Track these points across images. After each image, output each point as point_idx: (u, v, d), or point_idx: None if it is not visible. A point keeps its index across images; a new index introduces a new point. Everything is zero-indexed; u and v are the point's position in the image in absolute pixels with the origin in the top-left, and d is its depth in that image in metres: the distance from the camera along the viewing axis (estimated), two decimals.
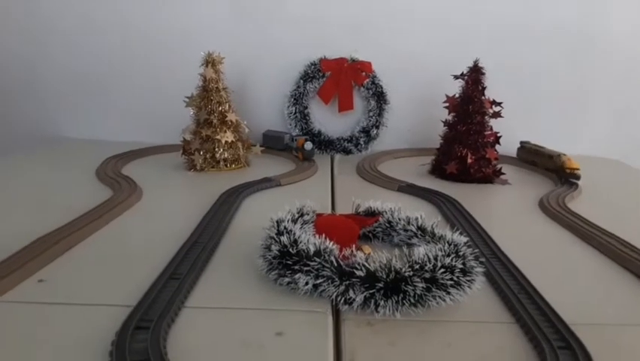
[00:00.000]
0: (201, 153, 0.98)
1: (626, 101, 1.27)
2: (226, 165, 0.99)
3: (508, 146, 1.05)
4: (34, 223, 0.63)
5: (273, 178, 0.91)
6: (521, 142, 1.17)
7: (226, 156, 0.99)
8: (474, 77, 0.96)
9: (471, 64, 0.96)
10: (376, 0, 1.21)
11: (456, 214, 0.74)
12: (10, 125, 1.30)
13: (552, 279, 0.53)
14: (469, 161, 0.96)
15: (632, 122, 1.28)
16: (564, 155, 1.00)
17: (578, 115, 1.27)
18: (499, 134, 0.99)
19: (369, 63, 1.20)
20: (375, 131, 1.21)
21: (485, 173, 0.97)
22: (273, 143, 1.18)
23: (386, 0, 1.21)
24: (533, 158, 1.11)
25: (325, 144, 1.22)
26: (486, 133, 0.97)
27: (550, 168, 1.03)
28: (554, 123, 1.26)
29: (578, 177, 0.95)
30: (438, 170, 1.00)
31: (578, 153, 1.01)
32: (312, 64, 1.20)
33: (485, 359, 0.39)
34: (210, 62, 0.96)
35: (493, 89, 0.97)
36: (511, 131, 1.13)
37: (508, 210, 0.84)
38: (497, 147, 0.98)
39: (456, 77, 0.98)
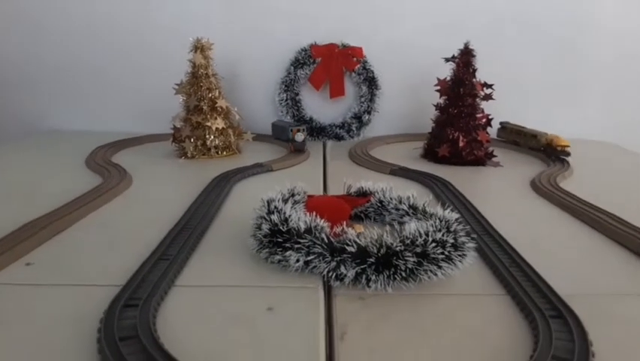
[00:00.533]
0: (192, 140, 0.97)
1: (617, 85, 1.27)
2: (217, 152, 0.99)
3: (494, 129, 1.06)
4: (22, 210, 0.62)
5: (264, 164, 0.90)
6: (501, 123, 1.18)
7: (217, 143, 0.98)
8: (465, 59, 0.96)
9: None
10: None
11: (448, 195, 0.74)
12: (1, 118, 1.28)
13: (543, 253, 0.53)
14: (461, 144, 0.95)
15: (623, 105, 1.28)
16: (549, 134, 1.01)
17: (570, 99, 1.28)
18: (490, 117, 0.99)
19: (360, 48, 1.19)
20: (367, 117, 1.20)
21: (477, 155, 0.96)
22: (280, 134, 1.13)
23: None
24: (515, 138, 1.12)
25: (317, 130, 1.21)
26: (477, 115, 0.97)
27: (534, 147, 1.04)
28: (547, 107, 1.26)
29: (568, 154, 0.95)
30: (430, 153, 1.00)
31: (571, 136, 1.02)
32: (302, 50, 1.19)
33: (477, 330, 0.39)
34: (199, 47, 0.95)
35: (484, 74, 0.97)
36: (502, 114, 1.14)
37: (499, 190, 0.84)
38: (489, 129, 0.99)
39: (447, 60, 0.98)
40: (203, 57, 0.96)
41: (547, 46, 1.24)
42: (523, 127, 1.11)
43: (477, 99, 0.97)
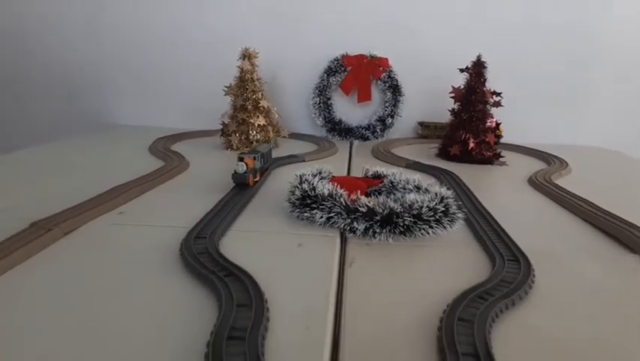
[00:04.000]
0: (237, 134, 1.14)
1: (625, 96, 1.37)
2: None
3: (507, 134, 1.18)
4: (105, 179, 0.78)
5: (298, 155, 1.06)
6: (419, 122, 1.37)
7: (258, 137, 1.14)
8: (477, 69, 1.09)
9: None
10: (391, 2, 1.34)
11: (452, 183, 0.87)
12: (73, 114, 1.49)
13: (520, 225, 0.65)
14: (471, 145, 1.08)
15: (631, 116, 1.37)
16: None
17: (577, 108, 1.38)
18: (499, 122, 1.11)
19: (387, 59, 1.33)
20: (390, 120, 1.35)
21: (486, 155, 1.09)
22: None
23: (400, 2, 1.34)
24: (439, 133, 1.29)
25: (345, 131, 1.36)
26: (487, 120, 1.10)
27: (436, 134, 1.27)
28: (555, 115, 1.37)
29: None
30: (444, 152, 1.13)
31: (575, 143, 1.12)
32: (335, 59, 1.34)
33: (454, 268, 0.53)
34: (247, 55, 1.12)
35: (496, 83, 1.10)
36: (512, 122, 1.25)
37: (498, 182, 0.97)
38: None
39: (461, 70, 1.11)
40: (250, 64, 1.12)
41: (556, 58, 1.35)
42: (441, 122, 1.28)
43: (487, 105, 1.09)
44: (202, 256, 0.50)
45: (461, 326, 0.39)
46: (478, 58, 1.09)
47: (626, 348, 0.39)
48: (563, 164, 1.06)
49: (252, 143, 1.14)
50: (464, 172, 0.96)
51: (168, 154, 1.03)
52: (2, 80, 1.49)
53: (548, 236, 0.64)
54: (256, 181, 0.82)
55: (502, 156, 1.10)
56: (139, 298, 0.44)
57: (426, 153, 1.17)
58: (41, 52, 1.46)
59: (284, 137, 1.20)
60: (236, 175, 0.77)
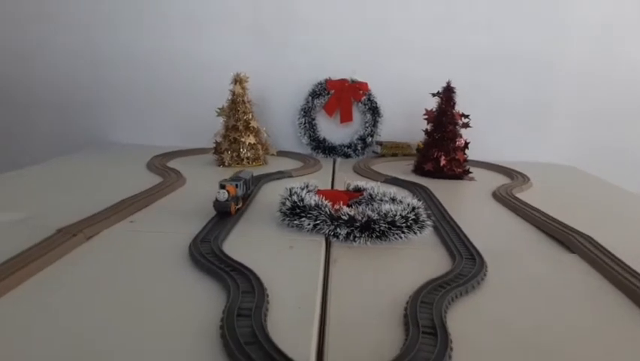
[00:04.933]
0: (229, 152, 1.23)
1: (580, 116, 1.51)
2: (249, 162, 1.24)
3: (478, 152, 1.30)
4: (110, 194, 0.86)
5: (285, 171, 1.15)
6: (377, 141, 1.48)
7: (249, 155, 1.24)
8: (447, 94, 1.21)
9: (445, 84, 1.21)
10: (370, 31, 1.46)
11: (424, 196, 0.98)
12: (68, 133, 1.57)
13: (480, 231, 0.76)
14: (443, 162, 1.19)
15: (587, 133, 1.51)
16: (419, 141, 1.30)
17: (538, 128, 1.51)
18: (468, 141, 1.22)
19: (366, 83, 1.45)
20: (370, 139, 1.46)
21: (456, 171, 1.20)
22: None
23: (379, 31, 1.46)
24: (394, 151, 1.43)
25: (329, 149, 1.46)
26: (457, 140, 1.21)
27: (410, 153, 1.38)
28: (518, 135, 1.51)
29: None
30: (419, 169, 1.24)
31: (537, 160, 1.24)
32: (319, 83, 1.46)
33: (421, 265, 0.63)
34: (238, 80, 1.22)
35: (465, 105, 1.22)
36: (482, 141, 1.37)
37: (465, 195, 1.08)
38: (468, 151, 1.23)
39: (433, 95, 1.23)
40: (241, 87, 1.22)
41: (518, 82, 1.48)
42: (396, 141, 1.43)
43: (456, 127, 1.21)
44: (209, 255, 0.59)
45: (423, 308, 0.49)
46: (448, 84, 1.21)
47: (562, 332, 0.48)
48: (524, 179, 1.18)
49: (242, 160, 1.23)
50: (436, 186, 1.06)
51: (166, 170, 1.11)
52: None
53: (503, 239, 0.75)
54: (238, 209, 0.79)
55: (471, 172, 1.22)
56: (158, 290, 0.52)
57: (402, 169, 1.28)
58: (39, 72, 1.54)
59: (272, 154, 1.30)
60: (217, 203, 0.75)
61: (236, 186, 0.80)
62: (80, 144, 1.51)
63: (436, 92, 1.22)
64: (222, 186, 0.76)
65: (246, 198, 0.88)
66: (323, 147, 1.46)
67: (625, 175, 1.37)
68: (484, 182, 1.19)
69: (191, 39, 1.48)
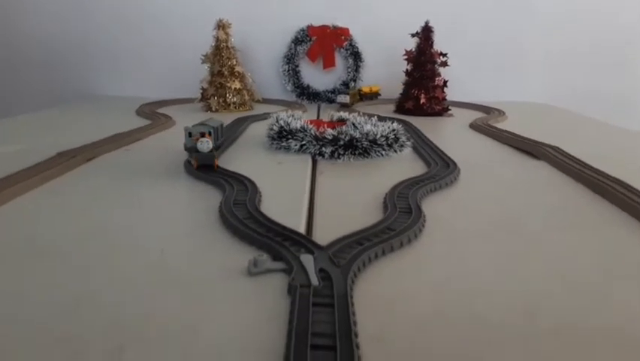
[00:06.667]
0: (215, 98, 1.26)
1: (552, 55, 1.56)
2: (235, 107, 1.28)
3: (457, 93, 1.35)
4: (106, 131, 0.90)
5: (271, 113, 1.19)
6: (342, 91, 1.49)
7: (235, 100, 1.27)
8: (425, 34, 1.24)
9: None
10: None
11: (406, 128, 1.02)
12: (54, 90, 1.58)
13: (456, 149, 0.81)
14: (422, 100, 1.24)
15: (558, 72, 1.57)
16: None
17: (512, 68, 1.57)
18: (446, 79, 1.27)
19: (347, 29, 1.47)
20: (353, 84, 1.49)
21: (435, 109, 1.25)
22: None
23: None
24: (353, 100, 1.42)
25: (313, 95, 1.50)
26: (436, 78, 1.26)
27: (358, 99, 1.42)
28: (494, 75, 1.56)
29: (377, 95, 1.40)
30: (400, 108, 1.29)
31: (513, 100, 1.29)
32: (301, 30, 1.48)
33: (400, 170, 0.68)
34: (221, 25, 1.24)
35: (443, 46, 1.25)
36: (461, 83, 1.42)
37: (445, 127, 1.13)
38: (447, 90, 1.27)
39: (412, 35, 1.26)
40: (225, 33, 1.24)
41: (493, 25, 1.52)
42: (360, 87, 1.46)
43: (435, 65, 1.25)
44: (204, 168, 0.63)
45: (400, 197, 0.54)
46: (426, 23, 1.24)
47: (529, 215, 0.55)
48: (500, 113, 1.23)
49: (229, 105, 1.27)
50: (416, 122, 1.11)
51: (156, 115, 1.15)
52: None
53: (476, 155, 0.81)
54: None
55: (450, 109, 1.27)
56: (157, 194, 0.57)
57: (385, 109, 1.32)
58: (26, 30, 1.53)
59: (258, 100, 1.33)
60: (200, 155, 0.62)
61: (209, 133, 0.63)
62: (67, 98, 1.53)
63: (415, 32, 1.26)
64: (202, 134, 0.62)
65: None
66: (307, 93, 1.49)
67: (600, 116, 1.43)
68: (462, 118, 1.24)
69: None
